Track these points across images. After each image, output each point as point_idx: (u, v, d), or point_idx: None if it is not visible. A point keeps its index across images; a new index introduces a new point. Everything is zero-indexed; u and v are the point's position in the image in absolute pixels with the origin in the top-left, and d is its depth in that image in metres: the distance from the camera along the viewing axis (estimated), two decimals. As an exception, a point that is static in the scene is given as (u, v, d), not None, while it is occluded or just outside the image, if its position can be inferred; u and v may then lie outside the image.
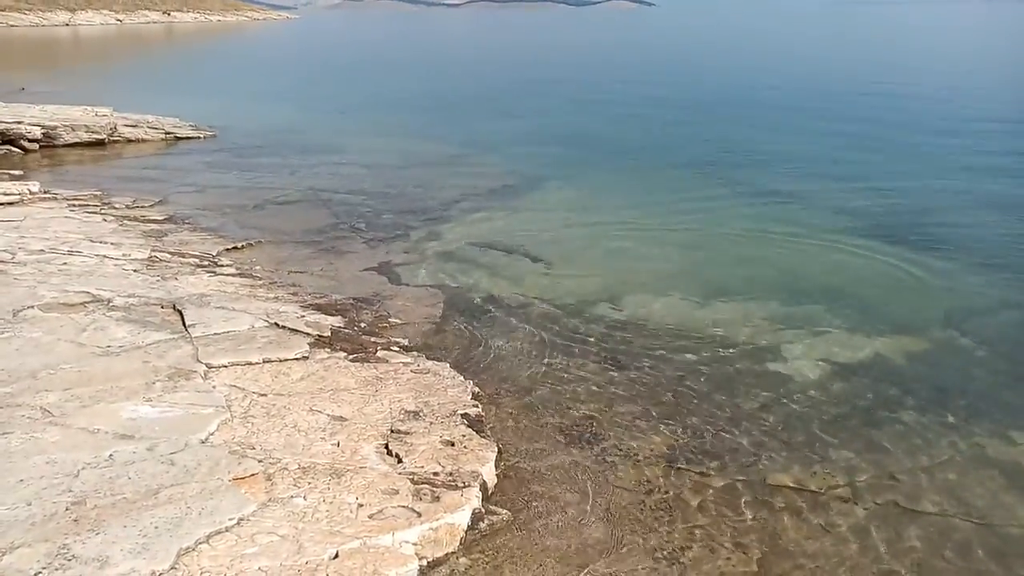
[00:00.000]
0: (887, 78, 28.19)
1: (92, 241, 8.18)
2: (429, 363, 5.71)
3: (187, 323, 5.85)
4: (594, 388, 5.62)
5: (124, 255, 7.77)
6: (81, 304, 6.12)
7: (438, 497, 3.90)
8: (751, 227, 9.82)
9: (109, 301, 6.23)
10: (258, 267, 8.03)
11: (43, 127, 14.60)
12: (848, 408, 5.47)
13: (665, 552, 3.90)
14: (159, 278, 7.09)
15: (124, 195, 10.84)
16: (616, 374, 5.83)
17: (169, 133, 16.11)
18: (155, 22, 64.51)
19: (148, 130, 16.04)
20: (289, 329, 5.95)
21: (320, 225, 9.81)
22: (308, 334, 5.90)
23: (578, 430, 5.05)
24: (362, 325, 6.50)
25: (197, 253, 8.29)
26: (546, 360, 6.07)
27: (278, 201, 11.08)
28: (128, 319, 5.87)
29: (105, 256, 7.66)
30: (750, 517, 4.23)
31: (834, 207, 10.72)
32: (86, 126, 15.17)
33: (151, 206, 10.45)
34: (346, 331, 6.24)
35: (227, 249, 8.60)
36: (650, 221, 10.08)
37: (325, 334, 5.99)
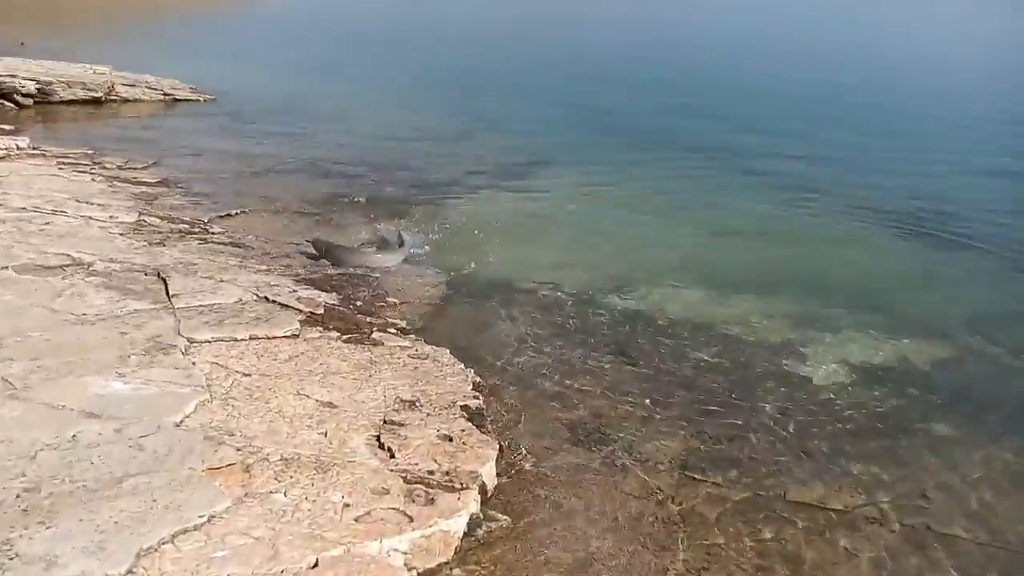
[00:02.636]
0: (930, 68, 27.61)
1: (78, 201, 7.75)
2: (428, 348, 5.33)
3: (171, 293, 5.46)
4: (604, 383, 5.24)
5: (111, 217, 7.36)
6: (59, 267, 5.73)
7: (432, 499, 3.54)
8: (772, 219, 9.42)
9: (90, 265, 5.83)
10: (251, 236, 7.61)
11: (38, 82, 14.09)
12: (873, 417, 5.12)
13: (679, 571, 3.55)
14: (145, 243, 6.68)
15: (116, 155, 10.39)
16: (627, 369, 5.46)
17: (168, 95, 15.62)
18: (161, -18, 63.40)
19: (146, 90, 15.55)
20: (280, 304, 5.56)
21: (319, 196, 9.39)
22: (300, 310, 5.51)
23: (586, 429, 4.68)
24: (358, 303, 6.11)
25: (188, 219, 7.88)
26: (552, 351, 5.69)
27: (276, 169, 10.64)
28: (108, 285, 5.47)
29: (90, 217, 7.24)
30: (771, 536, 3.87)
31: (861, 202, 10.25)
32: (83, 83, 14.67)
33: (144, 168, 10.00)
34: (341, 309, 5.85)
35: (220, 216, 8.19)
36: (665, 209, 9.67)
37: (318, 311, 5.60)
